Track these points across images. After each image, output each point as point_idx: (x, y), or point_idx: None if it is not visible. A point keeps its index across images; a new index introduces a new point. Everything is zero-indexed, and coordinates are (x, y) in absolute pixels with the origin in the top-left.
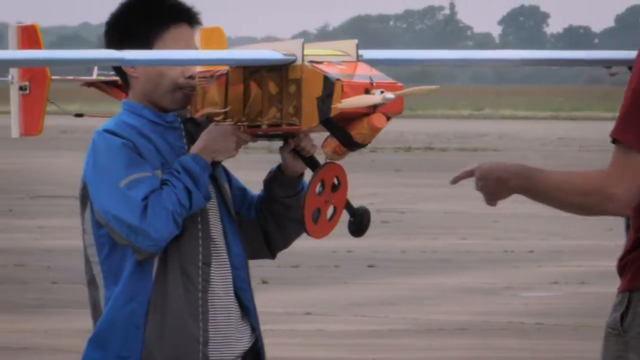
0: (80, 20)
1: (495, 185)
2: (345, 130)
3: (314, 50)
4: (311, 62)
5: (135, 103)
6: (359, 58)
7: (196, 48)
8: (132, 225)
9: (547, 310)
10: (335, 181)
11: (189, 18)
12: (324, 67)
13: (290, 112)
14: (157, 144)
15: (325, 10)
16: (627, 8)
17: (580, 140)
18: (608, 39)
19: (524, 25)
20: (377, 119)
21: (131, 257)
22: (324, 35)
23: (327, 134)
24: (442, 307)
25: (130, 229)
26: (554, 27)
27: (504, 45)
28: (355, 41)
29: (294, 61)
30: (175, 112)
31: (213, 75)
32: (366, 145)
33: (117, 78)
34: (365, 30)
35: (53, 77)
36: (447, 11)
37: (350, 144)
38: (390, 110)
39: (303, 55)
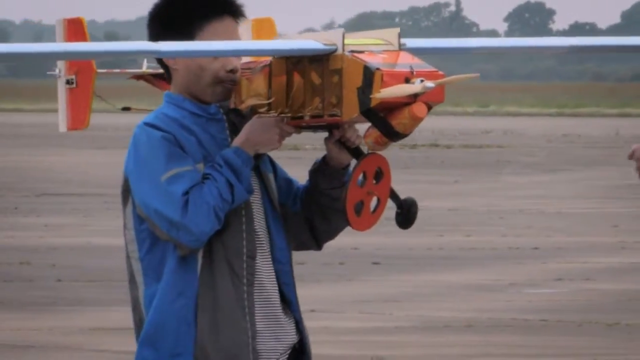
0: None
1: None
2: (386, 120)
3: (355, 40)
4: (352, 51)
5: (176, 95)
6: (401, 47)
7: (239, 40)
8: (173, 220)
9: (551, 307)
10: (377, 171)
11: (233, 11)
12: (364, 57)
13: (333, 103)
14: (199, 136)
15: (331, 7)
16: (632, 4)
17: (585, 137)
18: (614, 35)
19: (529, 22)
20: (417, 108)
21: (173, 252)
22: None
23: (367, 125)
24: (447, 304)
25: (171, 224)
26: (559, 23)
27: None
28: (398, 29)
29: (335, 51)
30: (218, 104)
31: (257, 66)
32: (408, 135)
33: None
34: (370, 27)
35: (99, 71)
36: (452, 8)
37: (392, 134)
38: (431, 99)
39: (344, 45)
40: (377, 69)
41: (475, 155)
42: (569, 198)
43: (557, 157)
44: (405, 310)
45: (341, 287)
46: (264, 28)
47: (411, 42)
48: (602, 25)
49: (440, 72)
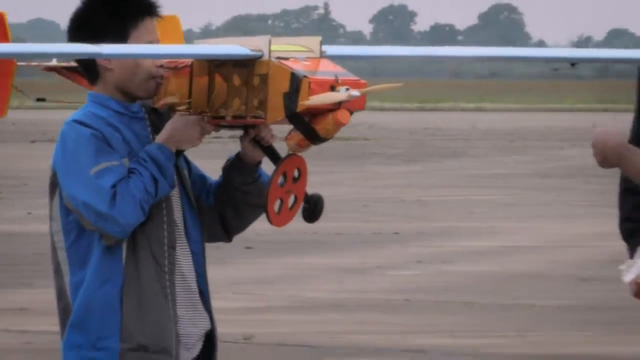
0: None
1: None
2: (310, 125)
3: (280, 47)
4: (278, 58)
5: (101, 94)
6: (322, 54)
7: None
8: (101, 212)
9: (413, 288)
10: (296, 173)
11: (155, 12)
12: (290, 64)
13: (255, 105)
14: (124, 133)
15: (208, 10)
16: (489, 6)
17: (444, 130)
18: (471, 36)
19: (393, 24)
20: (341, 115)
21: (99, 242)
22: (208, 33)
23: (290, 127)
24: (318, 286)
25: (99, 215)
26: (420, 25)
27: (374, 42)
28: (319, 38)
29: (261, 57)
30: (140, 103)
31: (177, 66)
32: (329, 139)
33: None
34: (245, 28)
35: (19, 63)
36: (321, 10)
37: (314, 138)
38: (353, 107)
39: (270, 52)
40: (305, 76)
41: (344, 148)
42: (429, 187)
43: (418, 149)
44: (276, 291)
45: (216, 269)
46: (169, 26)
47: (331, 50)
48: (461, 26)
49: (363, 81)
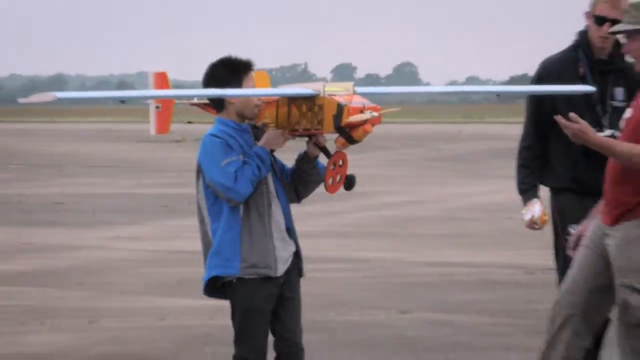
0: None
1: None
2: (349, 134)
3: (330, 88)
4: (329, 94)
5: (224, 118)
6: (354, 92)
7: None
8: (228, 187)
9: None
10: (340, 162)
11: (252, 67)
12: (336, 98)
13: (316, 123)
14: (239, 141)
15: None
16: (399, 63)
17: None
18: (390, 81)
19: (345, 73)
20: (368, 127)
21: (227, 205)
22: None
23: (336, 135)
24: None
25: (227, 189)
26: (359, 74)
27: None
28: (352, 83)
29: (319, 94)
30: (248, 124)
31: (269, 100)
32: (360, 142)
33: (207, 102)
34: None
35: (177, 102)
36: (303, 66)
37: (351, 141)
38: (375, 122)
39: (324, 91)
40: (345, 105)
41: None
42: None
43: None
44: None
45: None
46: (261, 77)
47: (359, 90)
48: (382, 75)
49: (379, 107)
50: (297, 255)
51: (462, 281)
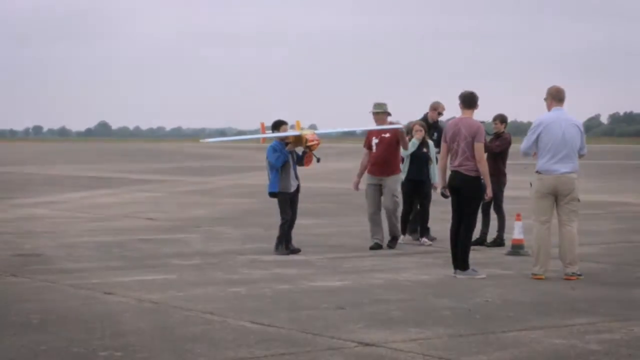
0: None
1: None
2: (309, 147)
3: (305, 131)
4: (304, 133)
5: (278, 142)
6: (314, 132)
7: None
8: (272, 163)
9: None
10: (308, 151)
11: (285, 123)
12: (306, 134)
13: (304, 144)
14: (282, 150)
15: (207, 117)
16: None
17: None
18: None
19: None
20: (315, 146)
21: (275, 170)
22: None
23: (306, 147)
24: None
25: (272, 165)
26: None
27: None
28: (314, 130)
29: (301, 134)
30: (287, 148)
31: (292, 138)
32: (314, 150)
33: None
34: None
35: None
36: None
37: (310, 149)
38: (317, 144)
39: (302, 133)
40: (307, 139)
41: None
42: None
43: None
44: None
45: None
46: (298, 125)
47: (317, 132)
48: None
49: (319, 139)
50: (297, 187)
51: None
